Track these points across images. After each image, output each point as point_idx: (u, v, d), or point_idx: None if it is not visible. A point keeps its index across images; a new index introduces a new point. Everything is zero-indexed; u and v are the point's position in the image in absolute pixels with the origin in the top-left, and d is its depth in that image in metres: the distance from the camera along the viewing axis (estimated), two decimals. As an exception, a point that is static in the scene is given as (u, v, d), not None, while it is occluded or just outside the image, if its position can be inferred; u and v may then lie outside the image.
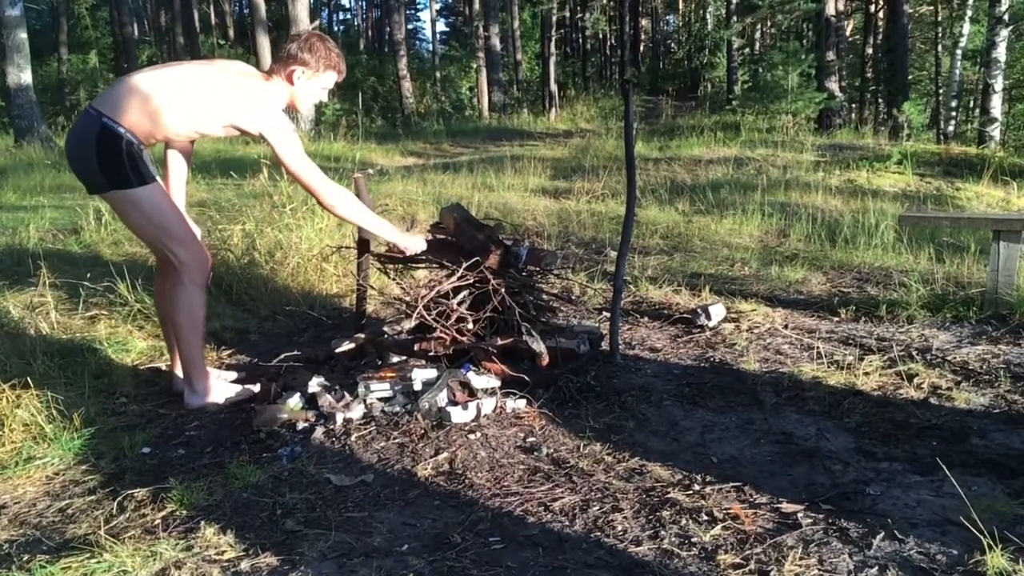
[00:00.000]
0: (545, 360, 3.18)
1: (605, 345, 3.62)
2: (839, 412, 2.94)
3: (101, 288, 4.14)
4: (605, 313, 4.32)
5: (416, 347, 3.24)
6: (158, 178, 2.99)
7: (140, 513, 2.27)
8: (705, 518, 2.18)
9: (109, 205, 3.07)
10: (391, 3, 24.49)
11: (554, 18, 24.98)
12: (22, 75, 12.37)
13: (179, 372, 3.23)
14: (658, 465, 2.53)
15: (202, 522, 2.17)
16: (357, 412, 2.90)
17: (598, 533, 2.11)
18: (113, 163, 2.82)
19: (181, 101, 2.89)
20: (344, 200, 3.07)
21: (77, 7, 28.33)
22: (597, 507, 2.25)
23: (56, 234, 5.85)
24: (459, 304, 3.30)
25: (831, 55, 16.63)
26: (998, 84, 15.76)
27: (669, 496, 2.31)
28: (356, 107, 20.50)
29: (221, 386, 3.18)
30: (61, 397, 2.94)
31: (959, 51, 20.12)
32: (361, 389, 3.01)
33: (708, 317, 4.16)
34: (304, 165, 2.97)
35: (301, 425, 2.83)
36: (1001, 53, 15.48)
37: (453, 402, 2.94)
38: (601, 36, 34.77)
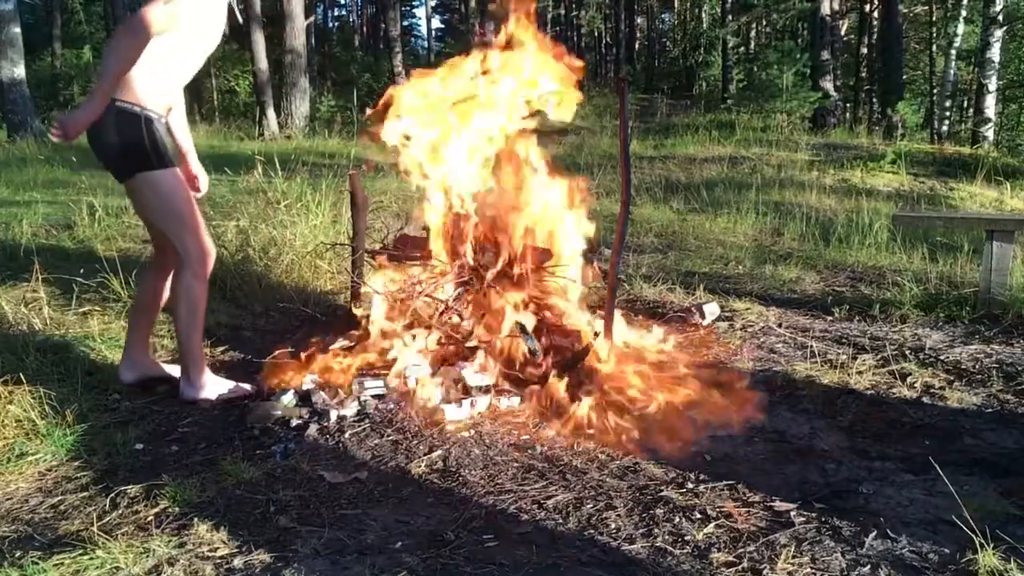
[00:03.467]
0: (540, 358, 3.19)
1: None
2: (832, 411, 2.95)
3: (94, 284, 4.12)
4: (599, 311, 4.32)
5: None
6: (177, 165, 3.01)
7: (133, 510, 2.26)
8: (698, 516, 2.18)
9: (128, 192, 3.04)
10: (386, 0, 24.43)
11: (549, 16, 24.95)
12: (15, 70, 12.32)
13: (134, 357, 3.24)
14: (651, 463, 2.53)
15: (195, 519, 2.17)
16: (351, 409, 2.89)
17: (591, 531, 2.11)
18: (135, 145, 2.83)
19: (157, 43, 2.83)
20: (125, 48, 2.71)
21: (71, 2, 28.20)
22: (591, 505, 2.25)
23: (49, 230, 5.82)
24: (454, 301, 3.30)
25: (826, 54, 16.67)
26: (992, 84, 15.84)
27: (662, 494, 2.31)
28: (351, 103, 20.46)
29: (216, 382, 3.17)
30: (54, 393, 2.93)
31: (953, 51, 20.18)
32: (355, 386, 3.00)
33: (702, 315, 4.17)
34: (152, 12, 2.71)
35: (295, 422, 2.82)
36: (995, 53, 15.56)
37: (447, 400, 2.94)
38: (596, 34, 34.77)
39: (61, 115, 2.75)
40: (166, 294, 3.20)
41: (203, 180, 3.37)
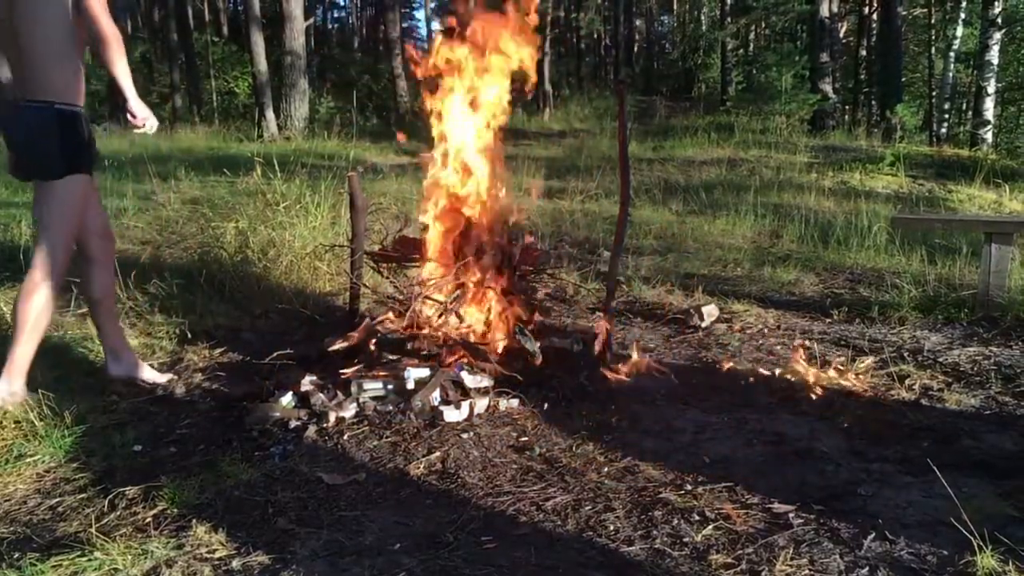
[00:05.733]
0: (538, 360, 3.19)
1: (598, 345, 3.62)
2: (831, 413, 2.95)
3: (93, 285, 4.11)
4: (598, 313, 4.33)
5: (409, 346, 3.23)
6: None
7: (131, 511, 2.26)
8: (697, 518, 2.18)
9: (42, 193, 3.00)
10: (386, 1, 24.42)
11: (548, 18, 24.93)
12: (14, 71, 12.30)
13: (115, 349, 3.31)
14: (650, 465, 2.53)
15: (193, 520, 2.16)
16: (350, 411, 2.89)
17: (590, 533, 2.11)
18: (76, 145, 2.95)
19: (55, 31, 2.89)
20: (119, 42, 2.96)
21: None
22: (589, 507, 2.25)
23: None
24: (452, 303, 3.30)
25: (825, 57, 16.67)
26: (991, 87, 15.84)
27: (661, 496, 2.31)
28: (350, 105, 20.47)
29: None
30: (52, 394, 2.93)
31: (952, 53, 20.21)
32: (354, 388, 3.00)
33: (701, 317, 4.17)
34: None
35: (293, 423, 2.82)
36: (994, 56, 15.57)
37: (446, 401, 2.94)
38: (596, 36, 34.77)
39: (140, 114, 3.02)
40: (106, 279, 3.28)
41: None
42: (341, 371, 3.11)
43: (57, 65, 2.89)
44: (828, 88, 16.54)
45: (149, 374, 3.36)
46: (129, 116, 3.12)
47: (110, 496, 2.34)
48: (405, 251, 3.67)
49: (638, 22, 32.53)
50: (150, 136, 3.21)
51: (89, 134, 3.03)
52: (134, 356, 3.38)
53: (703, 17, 31.94)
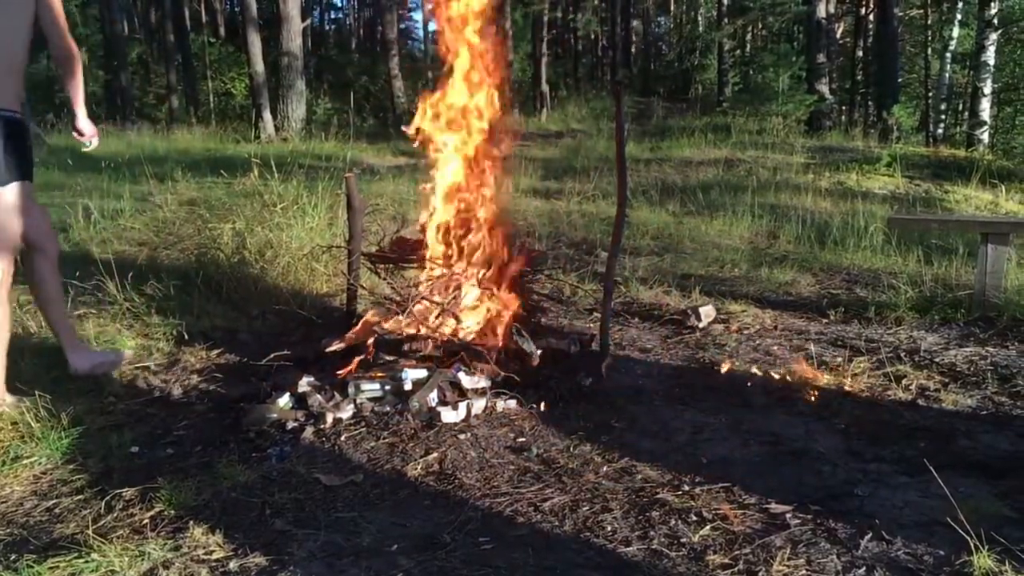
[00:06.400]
0: (536, 360, 3.19)
1: (595, 346, 3.63)
2: (828, 413, 2.96)
3: (90, 287, 4.12)
4: (595, 314, 4.33)
5: (406, 347, 3.23)
6: None
7: (128, 513, 2.26)
8: (694, 518, 2.18)
9: None
10: (383, 2, 24.42)
11: (545, 19, 24.92)
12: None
13: (66, 345, 3.31)
14: (648, 465, 2.53)
15: (191, 522, 2.16)
16: (347, 412, 2.89)
17: (587, 533, 2.11)
18: (21, 152, 2.96)
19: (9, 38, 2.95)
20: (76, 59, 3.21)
21: (67, 4, 28.13)
22: (587, 507, 2.25)
23: (44, 232, 5.80)
24: (450, 304, 3.30)
25: (821, 57, 16.67)
26: (987, 87, 15.85)
27: (658, 496, 2.31)
28: (347, 106, 20.47)
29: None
30: (49, 396, 2.92)
31: (949, 54, 20.23)
32: (351, 389, 3.00)
33: (698, 318, 4.17)
34: None
35: (291, 425, 2.82)
36: (990, 56, 15.58)
37: (443, 402, 2.94)
38: (593, 37, 34.78)
39: (88, 131, 3.26)
40: (54, 277, 3.27)
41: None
42: (338, 372, 3.11)
43: (4, 74, 2.92)
44: (825, 89, 16.55)
45: (103, 356, 3.40)
46: (75, 134, 3.30)
47: (107, 498, 2.34)
48: (402, 252, 3.67)
49: (635, 23, 32.51)
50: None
51: (31, 141, 3.07)
52: (84, 344, 3.42)
53: (700, 18, 31.94)
